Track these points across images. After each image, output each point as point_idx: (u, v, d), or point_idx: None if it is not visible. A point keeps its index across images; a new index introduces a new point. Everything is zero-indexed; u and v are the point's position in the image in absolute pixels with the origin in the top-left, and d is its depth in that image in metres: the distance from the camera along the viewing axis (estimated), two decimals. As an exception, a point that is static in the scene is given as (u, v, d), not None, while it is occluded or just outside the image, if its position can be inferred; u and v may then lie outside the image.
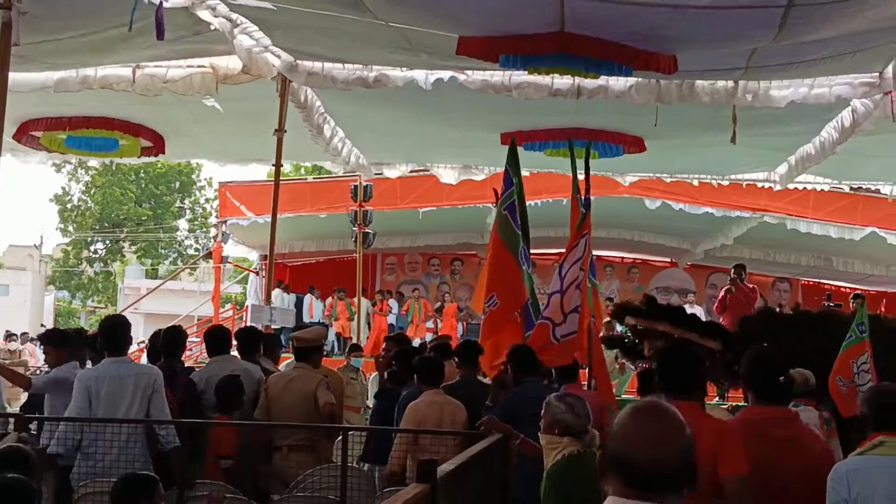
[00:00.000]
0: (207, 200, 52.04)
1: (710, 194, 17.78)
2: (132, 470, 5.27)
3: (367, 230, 16.81)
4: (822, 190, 16.17)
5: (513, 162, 8.44)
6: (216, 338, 7.61)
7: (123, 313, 27.26)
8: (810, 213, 18.60)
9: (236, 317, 25.48)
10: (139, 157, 13.74)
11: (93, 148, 12.95)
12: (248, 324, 13.89)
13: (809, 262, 22.94)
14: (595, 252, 9.91)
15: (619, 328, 10.42)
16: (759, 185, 15.11)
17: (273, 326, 11.74)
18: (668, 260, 25.76)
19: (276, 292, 22.75)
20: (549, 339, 6.83)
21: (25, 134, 12.70)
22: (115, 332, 6.26)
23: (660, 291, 25.38)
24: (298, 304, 23.49)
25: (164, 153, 13.89)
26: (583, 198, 7.85)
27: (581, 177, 8.14)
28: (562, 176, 14.18)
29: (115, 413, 6.00)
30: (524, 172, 8.97)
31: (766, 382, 4.14)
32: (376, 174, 15.73)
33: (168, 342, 7.22)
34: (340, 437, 6.50)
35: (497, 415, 5.79)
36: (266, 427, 6.83)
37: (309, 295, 23.30)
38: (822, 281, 24.72)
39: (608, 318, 10.49)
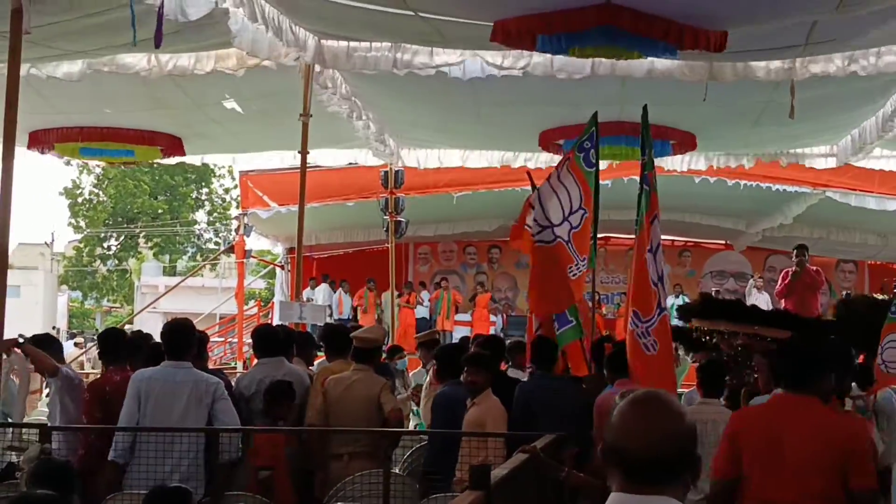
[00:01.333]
0: (227, 190, 52.24)
1: (766, 170, 17.68)
2: (182, 479, 5.37)
3: (398, 218, 16.90)
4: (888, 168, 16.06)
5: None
6: (266, 337, 7.61)
7: (141, 314, 27.73)
8: (876, 189, 18.44)
9: (261, 314, 25.74)
10: (157, 159, 14.14)
11: (108, 155, 13.36)
12: (276, 322, 14.11)
13: (876, 241, 22.74)
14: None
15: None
16: (821, 160, 15.01)
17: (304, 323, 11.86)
18: (723, 242, 25.66)
19: (321, 287, 22.99)
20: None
21: (37, 144, 13.08)
22: (175, 336, 6.31)
23: (714, 276, 25.33)
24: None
25: (183, 154, 14.22)
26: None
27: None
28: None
29: (164, 420, 6.05)
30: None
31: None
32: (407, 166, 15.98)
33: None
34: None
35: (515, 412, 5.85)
36: (326, 433, 6.83)
37: (339, 289, 23.51)
38: (891, 262, 24.52)
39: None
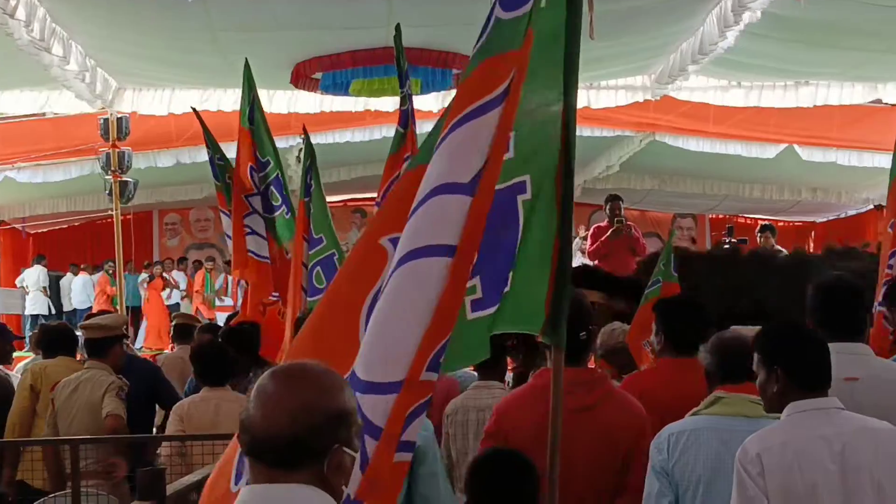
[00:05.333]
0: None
1: (584, 112, 17.98)
2: None
3: (124, 178, 16.25)
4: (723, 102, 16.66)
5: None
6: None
7: None
8: (711, 129, 19.11)
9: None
10: None
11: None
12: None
13: (716, 190, 23.68)
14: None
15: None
16: (633, 94, 15.39)
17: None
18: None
19: (31, 270, 22.14)
20: None
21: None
22: None
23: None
24: (55, 285, 22.91)
25: None
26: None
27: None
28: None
29: None
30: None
31: None
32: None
33: None
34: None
35: None
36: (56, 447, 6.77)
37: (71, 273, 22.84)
38: (734, 214, 25.61)
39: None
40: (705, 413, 4.37)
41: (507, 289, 3.73)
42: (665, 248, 7.71)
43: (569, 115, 3.90)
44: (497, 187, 3.53)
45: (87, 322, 7.52)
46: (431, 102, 15.20)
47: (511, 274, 3.73)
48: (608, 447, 4.53)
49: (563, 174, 3.88)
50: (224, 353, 7.01)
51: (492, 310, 3.65)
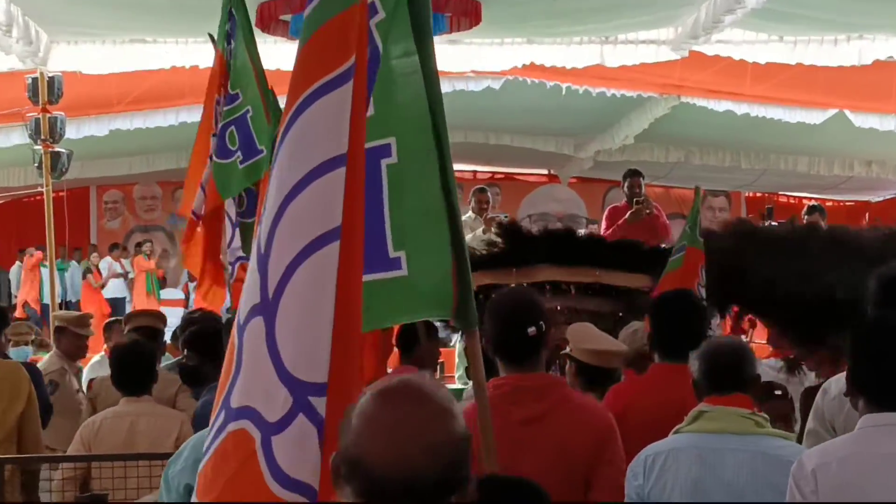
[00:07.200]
0: None
1: (598, 71, 17.80)
2: None
3: (57, 149, 16.04)
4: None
5: None
6: None
7: None
8: (748, 91, 18.94)
9: None
10: None
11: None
12: None
13: (753, 163, 23.61)
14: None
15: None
16: (657, 49, 15.20)
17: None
18: (545, 172, 25.90)
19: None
20: None
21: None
22: None
23: (534, 220, 25.52)
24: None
25: None
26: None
27: None
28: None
29: None
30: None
31: None
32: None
33: None
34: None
35: None
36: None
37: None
38: (773, 192, 25.46)
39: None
40: (686, 430, 4.38)
41: (401, 272, 3.94)
42: (692, 209, 7.71)
43: (428, 66, 4.05)
44: None
45: None
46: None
47: (402, 255, 3.93)
48: (561, 463, 4.45)
49: (434, 136, 4.05)
50: (146, 356, 6.98)
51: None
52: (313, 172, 3.32)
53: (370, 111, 3.82)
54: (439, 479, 2.28)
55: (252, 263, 3.49)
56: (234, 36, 8.22)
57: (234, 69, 7.92)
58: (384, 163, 3.98)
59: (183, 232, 9.35)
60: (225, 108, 8.19)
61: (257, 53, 8.31)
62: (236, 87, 8.26)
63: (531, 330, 4.51)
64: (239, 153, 8.31)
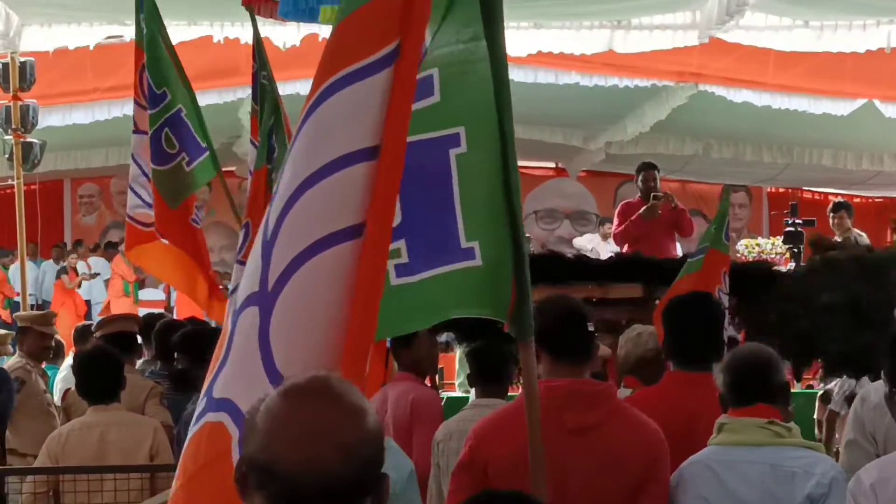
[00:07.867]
0: None
1: (609, 57, 17.72)
2: None
3: (29, 139, 15.92)
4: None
5: None
6: None
7: None
8: (771, 79, 18.86)
9: None
10: None
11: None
12: None
13: (775, 157, 23.61)
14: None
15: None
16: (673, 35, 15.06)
17: None
18: (552, 165, 25.77)
19: None
20: None
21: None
22: None
23: (541, 217, 25.40)
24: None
25: None
26: None
27: None
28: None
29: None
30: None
31: None
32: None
33: None
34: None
35: None
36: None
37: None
38: (797, 188, 25.32)
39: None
40: (711, 443, 4.47)
41: (475, 262, 3.98)
42: (720, 209, 7.78)
43: (496, 52, 4.05)
44: (419, 138, 3.83)
45: None
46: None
47: (476, 245, 3.99)
48: (614, 476, 4.51)
49: (499, 128, 4.06)
50: (111, 362, 7.03)
51: (424, 275, 3.90)
52: (333, 164, 3.30)
53: (436, 97, 3.94)
54: (355, 479, 2.32)
55: (256, 247, 3.46)
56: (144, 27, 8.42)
57: (151, 62, 7.91)
58: (453, 153, 3.99)
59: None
60: (152, 112, 8.21)
61: (171, 44, 8.35)
62: (162, 85, 8.25)
63: (591, 325, 4.67)
64: (184, 154, 8.33)
